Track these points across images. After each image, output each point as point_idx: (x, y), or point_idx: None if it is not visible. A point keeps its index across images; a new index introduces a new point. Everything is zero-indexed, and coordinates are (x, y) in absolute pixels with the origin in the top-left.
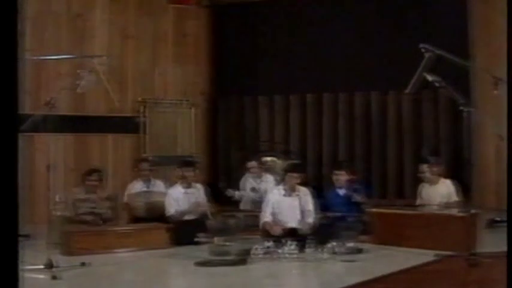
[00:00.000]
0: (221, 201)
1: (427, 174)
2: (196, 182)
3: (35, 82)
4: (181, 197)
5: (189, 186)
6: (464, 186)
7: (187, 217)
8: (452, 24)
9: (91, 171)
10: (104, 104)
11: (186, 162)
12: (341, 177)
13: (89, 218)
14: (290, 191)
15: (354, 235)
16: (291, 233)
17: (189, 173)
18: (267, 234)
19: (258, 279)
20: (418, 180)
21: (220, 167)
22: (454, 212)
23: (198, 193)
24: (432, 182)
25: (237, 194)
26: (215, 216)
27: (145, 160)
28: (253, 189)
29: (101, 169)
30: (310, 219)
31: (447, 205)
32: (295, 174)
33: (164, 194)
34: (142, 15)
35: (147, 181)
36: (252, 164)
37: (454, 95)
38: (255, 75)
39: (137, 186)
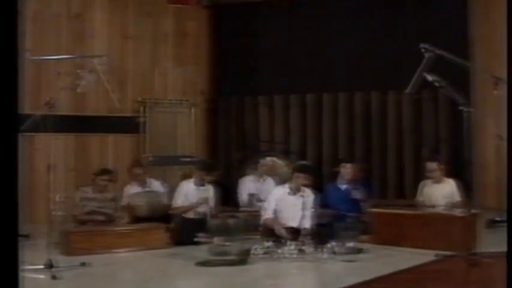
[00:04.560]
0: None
1: (437, 173)
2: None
3: (35, 82)
4: (191, 192)
5: (202, 184)
6: (465, 186)
7: (188, 215)
8: (452, 24)
9: (103, 171)
10: (104, 104)
11: (209, 165)
12: (349, 169)
13: (98, 217)
14: (295, 190)
15: (354, 235)
16: (293, 233)
17: (208, 177)
18: (267, 232)
19: (258, 279)
20: (418, 180)
21: (220, 167)
22: (454, 212)
23: (209, 192)
24: (437, 181)
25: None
26: (215, 217)
27: (137, 165)
28: (251, 195)
29: (113, 170)
30: (307, 225)
31: (450, 205)
32: (302, 175)
33: (162, 194)
34: (142, 15)
35: (142, 184)
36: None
37: (454, 95)
38: (255, 75)
39: (133, 189)
